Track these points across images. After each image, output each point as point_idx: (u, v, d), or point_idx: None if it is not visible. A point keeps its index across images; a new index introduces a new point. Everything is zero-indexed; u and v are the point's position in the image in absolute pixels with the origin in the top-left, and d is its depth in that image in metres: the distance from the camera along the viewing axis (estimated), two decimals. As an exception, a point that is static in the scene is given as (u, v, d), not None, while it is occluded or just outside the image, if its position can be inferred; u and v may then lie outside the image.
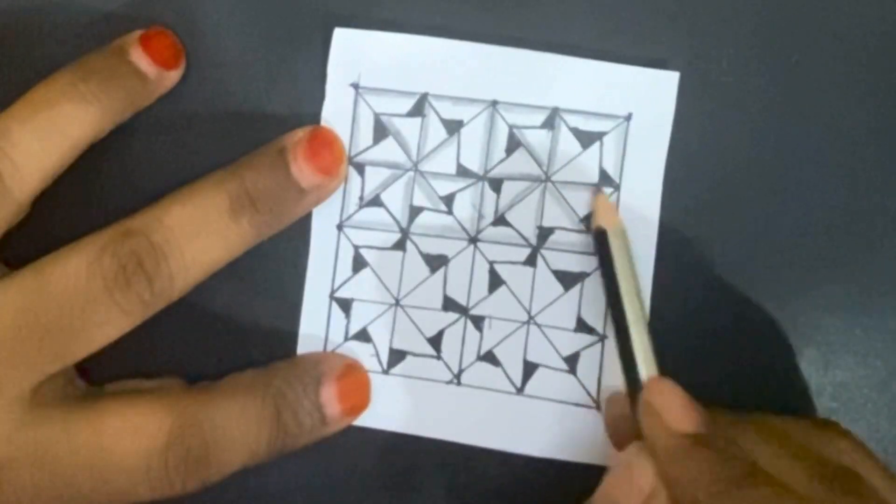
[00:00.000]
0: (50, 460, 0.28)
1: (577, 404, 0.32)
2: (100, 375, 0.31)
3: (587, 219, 0.32)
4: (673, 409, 0.28)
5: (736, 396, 0.32)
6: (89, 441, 0.28)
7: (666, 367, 0.30)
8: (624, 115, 0.32)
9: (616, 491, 0.28)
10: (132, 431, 0.29)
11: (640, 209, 0.32)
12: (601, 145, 0.32)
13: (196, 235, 0.29)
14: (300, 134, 0.31)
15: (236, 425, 0.29)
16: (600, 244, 0.31)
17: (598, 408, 0.32)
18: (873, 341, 0.32)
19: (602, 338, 0.32)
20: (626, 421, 0.30)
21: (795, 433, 0.29)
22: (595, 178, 0.32)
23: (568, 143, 0.32)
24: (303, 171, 0.30)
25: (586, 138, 0.32)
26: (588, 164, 0.32)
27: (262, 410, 0.30)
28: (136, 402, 0.29)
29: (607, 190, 0.32)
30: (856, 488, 0.27)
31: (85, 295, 0.28)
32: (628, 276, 0.30)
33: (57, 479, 0.28)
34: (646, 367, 0.30)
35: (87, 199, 0.32)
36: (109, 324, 0.29)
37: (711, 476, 0.26)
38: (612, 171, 0.32)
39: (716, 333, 0.32)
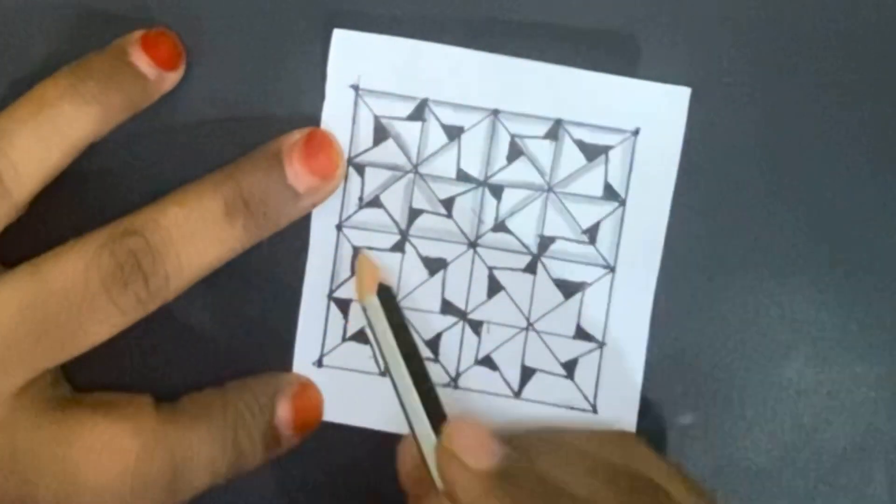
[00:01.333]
0: (19, 466, 0.29)
1: (573, 408, 0.32)
2: (99, 375, 0.32)
3: (590, 230, 0.32)
4: (470, 447, 0.27)
5: (737, 401, 0.32)
6: (57, 453, 0.29)
7: (666, 381, 0.30)
8: (631, 130, 0.31)
9: None
10: (101, 450, 0.29)
11: (645, 225, 0.32)
12: (606, 159, 0.31)
13: (192, 237, 0.29)
14: (296, 136, 0.31)
15: (201, 447, 0.30)
16: (364, 313, 0.30)
17: (595, 411, 0.32)
18: (870, 339, 0.32)
19: (601, 345, 0.32)
20: (419, 471, 0.30)
21: (593, 448, 0.28)
22: (599, 191, 0.31)
23: (572, 155, 0.31)
24: (298, 174, 0.30)
25: (591, 151, 0.31)
26: (592, 177, 0.31)
27: (224, 431, 0.30)
28: (108, 420, 0.29)
29: (612, 204, 0.31)
30: (655, 497, 0.27)
31: (82, 293, 0.28)
32: (389, 341, 0.30)
33: (23, 487, 0.29)
34: (420, 423, 0.29)
35: (85, 198, 0.32)
36: (105, 322, 0.29)
37: None
38: (617, 185, 0.31)
39: (718, 357, 0.32)
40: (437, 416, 0.29)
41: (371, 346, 0.31)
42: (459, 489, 0.27)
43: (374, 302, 0.30)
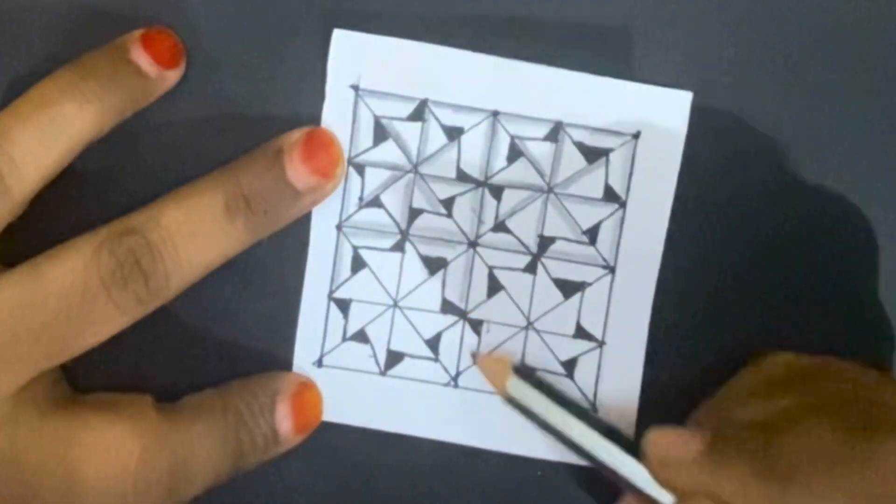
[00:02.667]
0: (20, 466, 0.29)
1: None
2: (99, 375, 0.32)
3: (590, 231, 0.32)
4: (674, 443, 0.29)
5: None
6: (58, 453, 0.29)
7: (666, 380, 0.30)
8: (632, 133, 0.31)
9: None
10: (102, 451, 0.29)
11: (646, 227, 0.32)
12: (607, 162, 0.31)
13: (192, 236, 0.29)
14: (297, 135, 0.31)
15: (202, 448, 0.30)
16: (515, 404, 0.30)
17: (594, 410, 0.32)
18: (869, 340, 0.32)
19: (601, 344, 0.32)
20: None
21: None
22: (600, 193, 0.32)
23: (572, 157, 0.31)
24: (298, 172, 0.30)
25: (592, 154, 0.32)
26: (593, 179, 0.32)
27: (225, 432, 0.30)
28: (109, 420, 0.29)
29: (613, 206, 0.32)
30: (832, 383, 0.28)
31: (82, 292, 0.28)
32: (555, 410, 0.30)
33: (23, 487, 0.29)
34: (620, 460, 0.30)
35: (85, 197, 0.32)
36: (105, 322, 0.29)
37: (750, 460, 0.27)
38: (618, 187, 0.32)
39: (719, 360, 0.32)
40: (626, 444, 0.30)
41: (533, 421, 0.30)
42: (686, 481, 0.28)
43: (517, 382, 0.30)
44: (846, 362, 0.30)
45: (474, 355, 0.32)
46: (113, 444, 0.29)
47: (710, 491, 0.28)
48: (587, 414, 0.30)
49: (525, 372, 0.30)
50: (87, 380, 0.32)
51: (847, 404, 0.28)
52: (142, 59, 0.30)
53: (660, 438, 0.29)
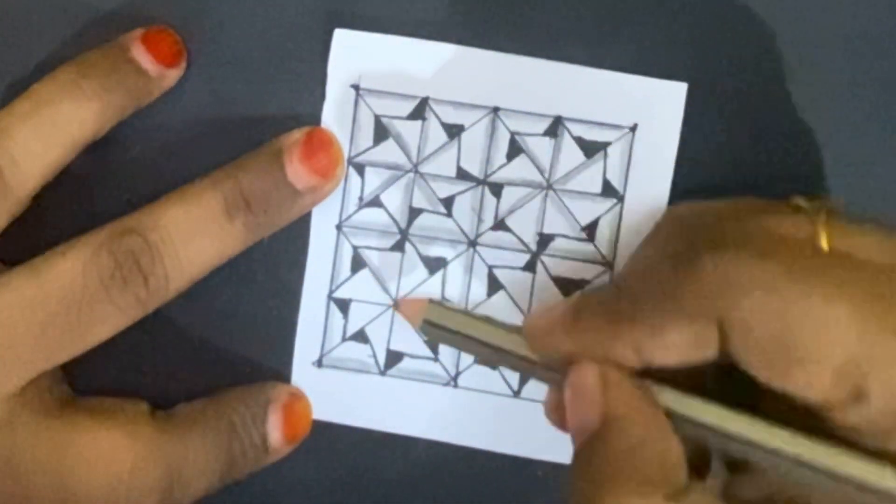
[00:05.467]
0: (17, 467, 0.28)
1: (573, 407, 0.32)
2: (99, 375, 0.32)
3: (589, 227, 0.32)
4: (539, 310, 0.28)
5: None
6: (53, 457, 0.29)
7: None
8: (629, 126, 0.31)
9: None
10: (96, 458, 0.29)
11: (643, 222, 0.32)
12: (605, 155, 0.32)
13: (191, 235, 0.29)
14: (297, 135, 0.31)
15: (195, 457, 0.30)
16: (433, 330, 0.30)
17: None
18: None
19: (600, 343, 0.32)
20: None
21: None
22: (598, 187, 0.32)
23: (571, 152, 0.32)
24: (298, 172, 0.30)
25: (590, 148, 0.32)
26: (591, 174, 0.32)
27: (218, 440, 0.30)
28: (104, 427, 0.29)
29: (611, 201, 0.32)
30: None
31: (81, 293, 0.28)
32: (472, 322, 0.29)
33: (19, 489, 0.29)
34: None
35: (85, 197, 0.32)
36: (105, 322, 0.29)
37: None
38: (616, 181, 0.32)
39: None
40: None
41: (454, 345, 0.30)
42: (555, 344, 0.27)
43: (433, 307, 0.30)
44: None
45: (395, 302, 0.32)
46: (107, 451, 0.29)
47: (573, 346, 0.27)
48: (505, 324, 0.29)
49: (441, 303, 0.30)
50: (87, 380, 0.32)
51: (688, 226, 0.27)
52: (142, 57, 0.30)
53: (531, 312, 0.29)
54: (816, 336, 0.24)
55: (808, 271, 0.24)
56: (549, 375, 0.28)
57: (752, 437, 0.26)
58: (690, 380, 0.26)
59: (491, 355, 0.29)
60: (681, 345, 0.25)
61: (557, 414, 0.28)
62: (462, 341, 0.29)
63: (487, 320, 0.29)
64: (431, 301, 0.30)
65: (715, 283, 0.25)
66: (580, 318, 0.27)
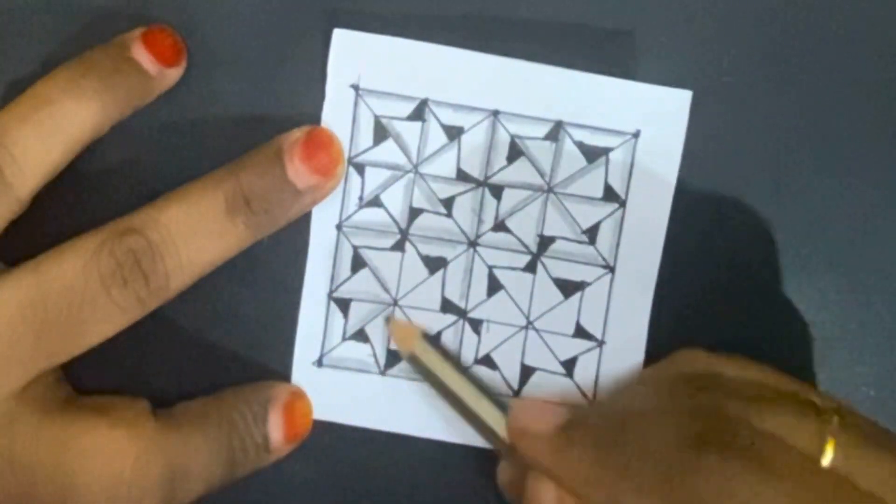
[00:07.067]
0: (18, 466, 0.29)
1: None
2: (100, 375, 0.32)
3: (590, 230, 0.32)
4: (535, 417, 0.29)
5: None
6: (55, 456, 0.29)
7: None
8: (632, 132, 0.31)
9: None
10: (98, 457, 0.29)
11: (645, 226, 0.32)
12: (607, 160, 0.31)
13: (192, 235, 0.29)
14: (297, 134, 0.31)
15: (196, 456, 0.30)
16: (415, 364, 0.31)
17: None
18: (870, 339, 0.32)
19: (600, 343, 0.32)
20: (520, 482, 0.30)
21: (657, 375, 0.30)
22: (600, 192, 0.32)
23: (572, 156, 0.32)
24: (299, 171, 0.30)
25: (592, 153, 0.32)
26: (593, 178, 0.32)
27: (219, 439, 0.30)
28: (106, 426, 0.29)
29: (612, 205, 0.32)
30: (714, 393, 0.27)
31: (82, 292, 0.28)
32: (452, 375, 0.30)
33: (21, 488, 0.29)
34: (499, 424, 0.30)
35: (85, 196, 0.32)
36: (106, 321, 0.29)
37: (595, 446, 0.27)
38: (617, 186, 0.32)
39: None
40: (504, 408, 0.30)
41: (432, 385, 0.31)
42: (536, 455, 0.28)
43: (422, 344, 0.31)
44: (752, 366, 0.29)
45: (388, 318, 0.32)
46: (108, 450, 0.29)
47: (553, 470, 0.28)
48: (481, 381, 0.30)
49: (433, 340, 0.31)
50: (87, 379, 0.32)
51: (701, 412, 0.27)
52: (143, 56, 0.30)
53: (524, 407, 0.29)
54: None
55: (807, 501, 0.25)
56: (514, 459, 0.29)
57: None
58: None
59: (465, 414, 0.30)
60: None
61: (511, 490, 0.30)
62: (440, 388, 0.30)
63: (470, 378, 0.30)
64: (425, 335, 0.30)
65: (716, 491, 0.25)
66: (570, 443, 0.28)
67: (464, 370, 0.30)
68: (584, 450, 0.27)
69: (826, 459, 0.26)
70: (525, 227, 0.32)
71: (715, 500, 0.25)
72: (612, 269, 0.32)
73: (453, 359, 0.30)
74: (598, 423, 0.28)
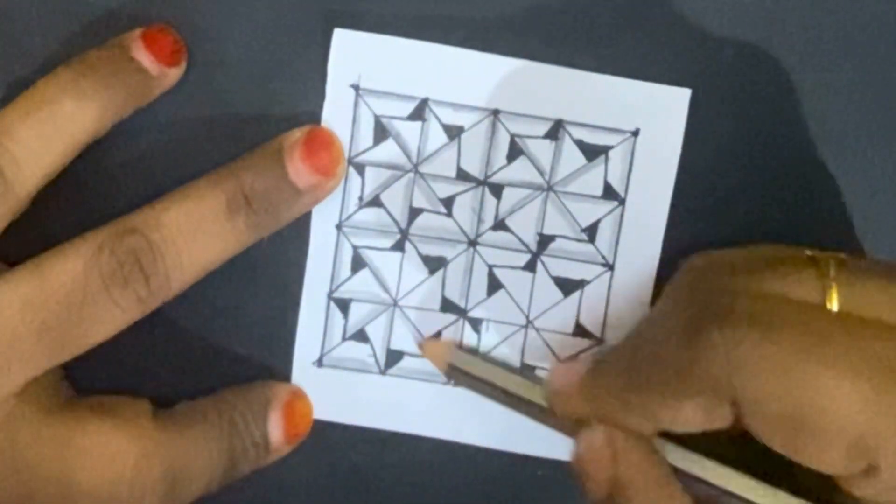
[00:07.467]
0: (19, 466, 0.29)
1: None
2: (100, 374, 0.32)
3: (589, 228, 0.32)
4: (562, 372, 0.29)
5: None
6: (55, 456, 0.29)
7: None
8: (631, 130, 0.32)
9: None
10: (98, 456, 0.29)
11: (645, 224, 0.32)
12: (606, 159, 0.32)
13: (193, 235, 0.29)
14: (298, 134, 0.31)
15: (196, 456, 0.30)
16: (459, 375, 0.31)
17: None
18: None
19: (600, 341, 0.32)
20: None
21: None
22: (599, 190, 0.32)
23: (572, 155, 0.32)
24: (299, 171, 0.30)
25: (591, 151, 0.32)
26: (592, 177, 0.32)
27: (220, 439, 0.30)
28: (106, 426, 0.29)
29: (612, 203, 0.32)
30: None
31: (82, 292, 0.28)
32: (494, 370, 0.31)
33: (22, 487, 0.29)
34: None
35: (85, 196, 0.32)
36: (106, 321, 0.29)
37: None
38: (617, 185, 0.32)
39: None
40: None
41: (478, 391, 0.31)
42: (575, 408, 0.28)
43: (458, 353, 0.31)
44: (750, 245, 0.29)
45: (420, 345, 0.32)
46: (109, 450, 0.29)
47: (592, 412, 0.28)
48: (525, 372, 0.31)
49: (464, 348, 0.31)
50: (87, 379, 0.32)
51: (696, 298, 0.27)
52: (143, 56, 0.30)
53: (552, 372, 0.29)
54: (828, 414, 0.24)
55: (818, 345, 0.24)
56: (570, 431, 0.29)
57: (756, 501, 0.27)
58: (707, 436, 0.27)
59: (513, 403, 0.30)
60: (694, 417, 0.26)
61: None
62: (484, 387, 0.31)
63: (509, 368, 0.31)
64: (455, 345, 0.31)
65: (725, 363, 0.25)
66: (596, 384, 0.28)
67: (502, 364, 0.31)
68: (611, 380, 0.28)
69: (832, 304, 0.25)
70: (525, 225, 0.32)
71: (728, 374, 0.25)
72: (611, 267, 0.32)
73: (488, 358, 0.31)
74: (617, 353, 0.28)
